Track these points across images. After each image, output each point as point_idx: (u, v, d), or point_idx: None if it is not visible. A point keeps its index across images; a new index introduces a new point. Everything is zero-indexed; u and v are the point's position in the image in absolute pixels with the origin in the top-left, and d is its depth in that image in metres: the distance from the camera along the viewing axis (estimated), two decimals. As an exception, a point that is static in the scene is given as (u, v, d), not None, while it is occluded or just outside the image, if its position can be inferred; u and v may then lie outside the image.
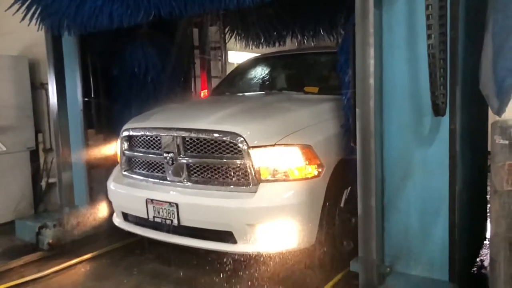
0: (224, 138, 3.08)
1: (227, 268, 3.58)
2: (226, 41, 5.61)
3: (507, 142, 1.98)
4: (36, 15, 3.87)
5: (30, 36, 5.28)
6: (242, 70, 4.91)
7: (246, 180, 3.06)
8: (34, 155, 5.34)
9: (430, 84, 2.31)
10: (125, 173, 3.73)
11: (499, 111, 2.12)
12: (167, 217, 3.22)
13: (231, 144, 3.08)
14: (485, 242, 3.64)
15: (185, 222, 3.17)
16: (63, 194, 4.41)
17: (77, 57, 4.19)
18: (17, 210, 5.08)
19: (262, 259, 3.38)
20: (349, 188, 3.47)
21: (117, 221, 3.78)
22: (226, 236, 3.08)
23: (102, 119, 4.30)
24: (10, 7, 3.91)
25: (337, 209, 3.32)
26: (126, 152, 3.69)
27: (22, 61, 5.20)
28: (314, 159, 3.06)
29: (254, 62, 4.94)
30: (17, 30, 5.31)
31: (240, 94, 4.41)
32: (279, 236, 3.02)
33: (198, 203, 3.12)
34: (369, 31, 2.42)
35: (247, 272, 3.48)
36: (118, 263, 3.87)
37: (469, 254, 3.09)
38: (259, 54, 5.36)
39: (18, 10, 3.90)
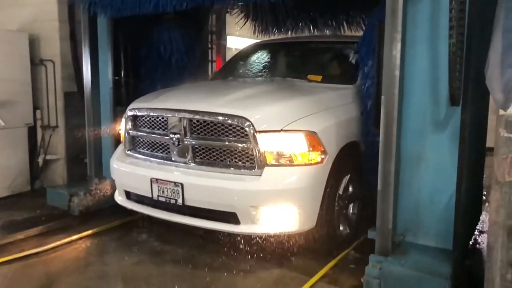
0: (232, 122, 3.14)
1: (226, 248, 3.67)
2: (240, 27, 5.72)
3: (511, 135, 2.08)
4: None
5: (31, 11, 5.27)
6: (245, 55, 4.94)
7: (251, 164, 3.14)
8: (31, 131, 5.33)
9: (449, 77, 2.56)
10: (129, 152, 3.77)
11: (504, 106, 2.21)
12: (172, 197, 3.29)
13: (238, 128, 3.14)
14: (478, 222, 4.05)
15: (189, 202, 3.24)
16: (92, 166, 4.67)
17: (110, 38, 4.40)
18: (12, 186, 5.11)
19: (261, 240, 3.48)
20: (348, 176, 3.58)
21: (119, 199, 3.83)
22: (230, 217, 3.16)
23: (130, 97, 4.42)
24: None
25: (336, 196, 3.42)
26: (130, 131, 3.73)
27: (22, 36, 5.15)
28: (318, 145, 3.14)
29: (257, 48, 4.98)
30: (18, 4, 5.30)
31: (244, 79, 4.45)
32: (281, 218, 3.11)
33: (203, 184, 3.19)
34: (397, 28, 2.70)
35: (246, 252, 3.58)
36: (118, 241, 3.93)
37: (467, 230, 3.39)
38: (258, 40, 5.41)
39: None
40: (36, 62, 5.28)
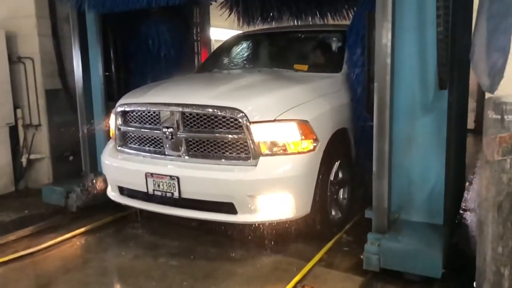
0: (225, 114, 3.18)
1: (221, 238, 3.73)
2: (224, 19, 5.68)
3: (499, 116, 2.20)
4: None
5: (7, 7, 5.14)
6: (228, 47, 4.96)
7: (246, 154, 3.19)
8: (13, 131, 5.23)
9: (438, 63, 2.74)
10: (120, 148, 3.76)
11: (490, 89, 2.33)
12: (168, 190, 3.31)
13: (231, 119, 3.18)
14: (462, 199, 4.32)
15: (186, 194, 3.27)
16: (87, 162, 4.70)
17: (99, 34, 4.41)
18: (-4, 187, 5.02)
19: (256, 228, 3.56)
20: (338, 162, 3.68)
21: (113, 195, 3.83)
22: (227, 207, 3.21)
23: (122, 92, 4.41)
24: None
25: (328, 182, 3.52)
26: (121, 127, 3.72)
27: (-2, 33, 5.03)
28: (311, 134, 3.22)
29: (240, 39, 5.00)
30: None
31: (230, 71, 4.49)
32: (278, 206, 3.19)
33: (200, 176, 3.23)
34: (387, 18, 2.86)
35: (241, 241, 3.65)
36: (113, 236, 3.94)
37: (454, 206, 3.57)
38: (240, 31, 5.42)
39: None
40: (14, 59, 5.16)
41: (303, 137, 3.19)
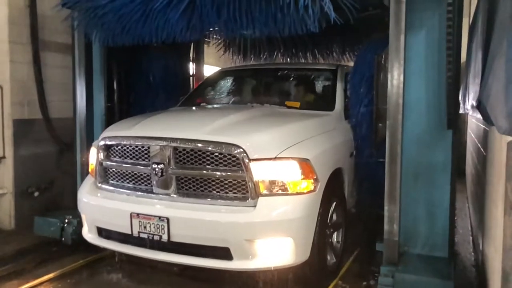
0: (223, 150, 2.97)
1: (208, 285, 3.43)
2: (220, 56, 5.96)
3: (523, 160, 2.11)
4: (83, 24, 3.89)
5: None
6: (213, 81, 4.81)
7: (243, 194, 2.97)
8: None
9: (447, 105, 2.94)
10: (101, 185, 3.45)
11: (510, 132, 2.26)
12: (155, 233, 3.02)
13: (229, 156, 2.97)
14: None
15: (176, 237, 2.99)
16: None
17: (104, 65, 4.40)
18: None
19: (248, 274, 3.30)
20: (334, 203, 3.51)
21: (89, 236, 3.47)
22: (221, 252, 2.94)
23: None
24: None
25: (326, 224, 3.33)
26: (103, 162, 3.42)
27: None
28: (312, 173, 3.05)
29: (225, 74, 4.88)
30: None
31: (219, 105, 4.31)
32: (277, 251, 2.95)
33: (192, 218, 2.96)
34: (400, 62, 3.04)
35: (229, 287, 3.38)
36: (87, 283, 3.55)
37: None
38: (220, 68, 5.38)
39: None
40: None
41: (303, 177, 3.01)
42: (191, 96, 4.69)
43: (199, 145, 3.02)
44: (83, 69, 4.29)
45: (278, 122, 3.41)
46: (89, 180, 3.61)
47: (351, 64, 4.81)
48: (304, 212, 2.99)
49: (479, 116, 3.71)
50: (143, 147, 3.21)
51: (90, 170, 3.64)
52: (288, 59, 5.80)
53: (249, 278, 3.37)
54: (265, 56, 5.75)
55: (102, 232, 3.37)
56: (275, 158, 2.97)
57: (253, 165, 2.92)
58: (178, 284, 3.52)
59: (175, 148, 3.08)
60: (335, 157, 3.45)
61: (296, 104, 3.99)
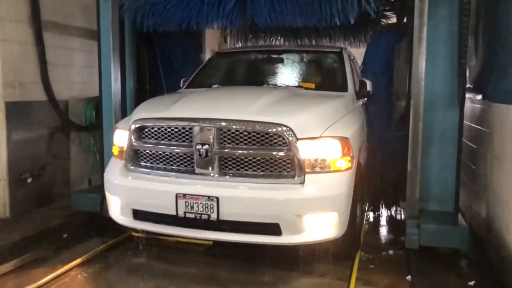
0: (270, 130, 3.04)
1: (239, 263, 3.51)
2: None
3: None
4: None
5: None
6: (220, 63, 4.82)
7: (290, 172, 3.07)
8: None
9: (459, 84, 3.53)
10: (134, 167, 3.38)
11: None
12: (204, 212, 3.04)
13: (276, 136, 3.05)
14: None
15: (225, 216, 3.03)
16: None
17: (135, 48, 4.67)
18: None
19: (276, 248, 3.44)
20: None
21: (122, 218, 3.40)
22: (271, 228, 3.03)
23: None
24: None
25: (356, 198, 3.51)
26: (137, 144, 3.35)
27: None
28: (350, 151, 3.20)
29: (230, 56, 4.90)
30: None
31: (235, 86, 4.34)
32: (323, 226, 3.09)
33: (243, 196, 3.02)
34: (422, 50, 3.52)
35: (263, 263, 3.49)
36: (116, 267, 3.50)
37: None
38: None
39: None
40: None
41: (343, 154, 3.16)
42: (195, 78, 4.62)
43: (247, 125, 3.06)
44: (117, 53, 4.34)
45: (313, 103, 3.51)
46: (116, 162, 3.52)
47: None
48: (346, 187, 3.15)
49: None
50: (183, 128, 3.19)
51: (115, 152, 3.55)
52: (286, 42, 5.89)
53: (280, 252, 3.50)
54: (264, 38, 5.80)
55: (138, 214, 3.33)
56: (319, 137, 3.09)
57: (300, 144, 3.02)
58: (210, 263, 3.56)
59: (219, 129, 3.11)
60: (362, 136, 3.65)
61: (311, 85, 4.11)
